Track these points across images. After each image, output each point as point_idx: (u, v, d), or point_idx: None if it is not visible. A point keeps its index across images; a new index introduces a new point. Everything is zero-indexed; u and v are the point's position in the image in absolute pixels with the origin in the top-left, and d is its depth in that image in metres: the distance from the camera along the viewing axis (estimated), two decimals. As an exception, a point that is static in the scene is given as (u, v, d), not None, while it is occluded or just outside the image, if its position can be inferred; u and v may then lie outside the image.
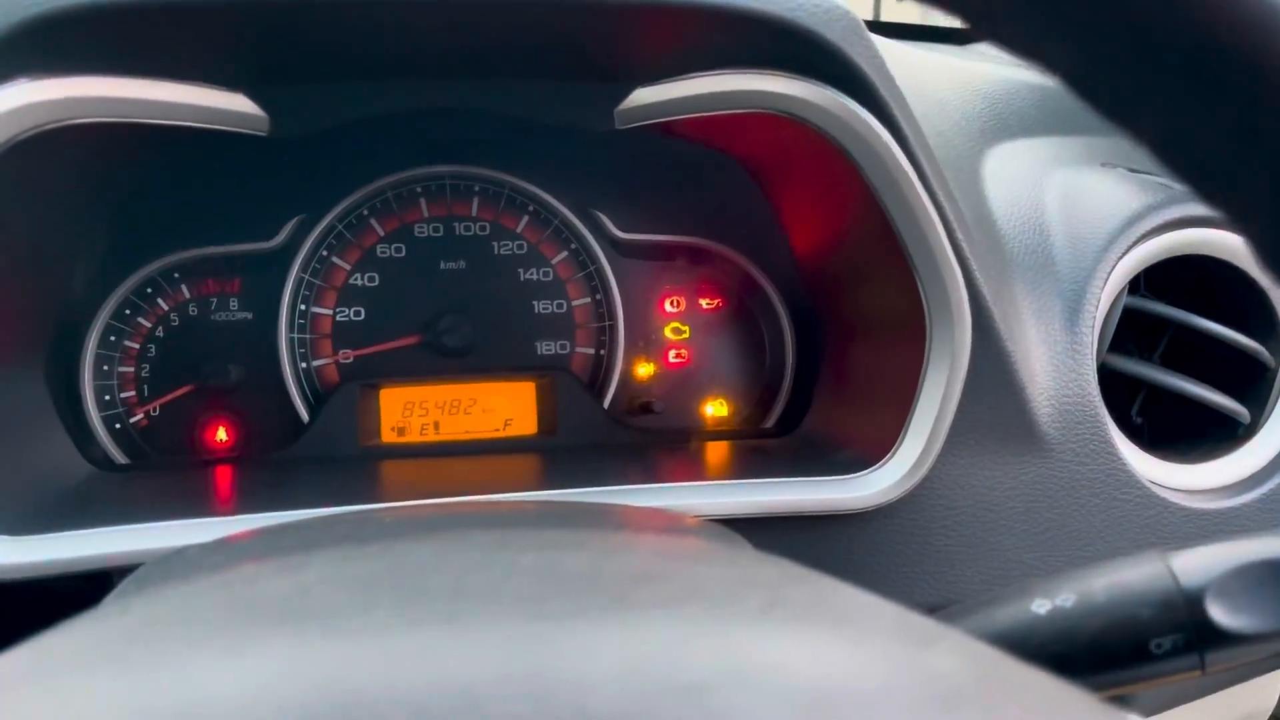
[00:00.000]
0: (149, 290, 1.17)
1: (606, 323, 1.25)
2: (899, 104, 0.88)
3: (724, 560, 0.47)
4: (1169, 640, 0.59)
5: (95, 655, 0.36)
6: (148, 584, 0.57)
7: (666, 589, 0.40)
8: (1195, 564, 0.60)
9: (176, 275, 1.17)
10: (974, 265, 0.92)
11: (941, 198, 0.90)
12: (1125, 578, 0.61)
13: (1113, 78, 0.38)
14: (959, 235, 0.91)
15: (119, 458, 1.15)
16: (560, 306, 1.25)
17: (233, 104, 0.88)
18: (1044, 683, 0.36)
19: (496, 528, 0.55)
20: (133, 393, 1.16)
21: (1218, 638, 0.58)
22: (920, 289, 0.92)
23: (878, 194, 0.89)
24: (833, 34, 0.84)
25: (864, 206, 0.92)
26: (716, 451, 1.16)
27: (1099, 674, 0.59)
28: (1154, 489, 1.02)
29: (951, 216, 0.91)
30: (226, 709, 0.29)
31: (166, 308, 1.17)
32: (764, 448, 1.17)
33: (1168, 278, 1.11)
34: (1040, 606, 0.62)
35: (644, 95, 0.94)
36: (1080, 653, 0.59)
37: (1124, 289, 1.06)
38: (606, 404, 1.23)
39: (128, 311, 1.16)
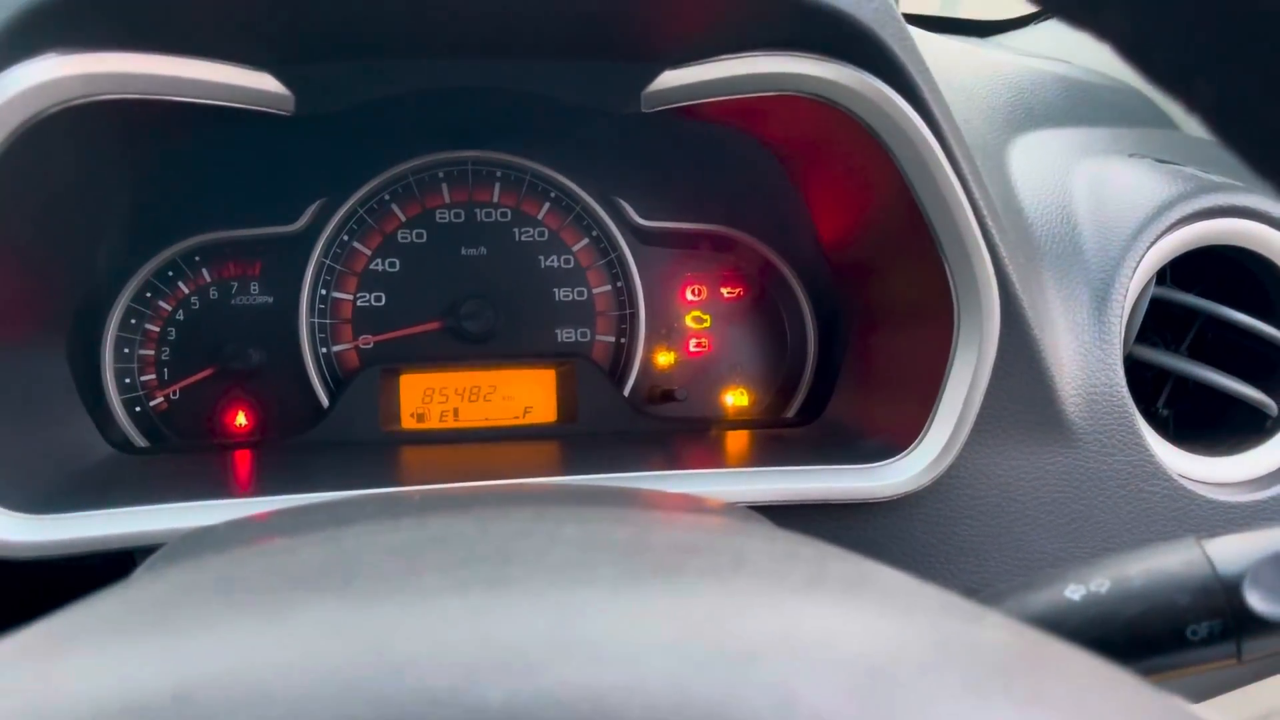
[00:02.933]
0: (170, 273, 1.17)
1: (627, 310, 1.25)
2: (930, 88, 0.88)
3: (764, 536, 0.47)
4: (1205, 627, 0.58)
5: (135, 620, 0.36)
6: (177, 558, 0.57)
7: (713, 560, 0.39)
8: (1232, 550, 0.60)
9: (198, 258, 1.17)
10: (1003, 251, 0.91)
11: (972, 183, 0.89)
12: (1161, 563, 0.61)
13: (1170, 42, 0.38)
14: (988, 221, 0.90)
15: (139, 440, 1.14)
16: (581, 294, 1.24)
17: (258, 82, 0.87)
18: (1090, 662, 0.35)
19: (530, 504, 0.55)
20: (153, 375, 1.16)
21: (1255, 625, 0.57)
22: (949, 275, 0.91)
23: (908, 178, 0.88)
24: (865, 16, 0.83)
25: (893, 191, 0.91)
26: (738, 440, 1.15)
27: (1134, 660, 0.58)
28: (1181, 481, 1.01)
29: (981, 202, 0.90)
30: (275, 670, 0.29)
31: (187, 291, 1.17)
32: (786, 436, 1.16)
33: (1194, 269, 1.10)
34: (1074, 592, 0.61)
35: (672, 77, 0.93)
36: (1115, 639, 0.58)
37: (1152, 279, 1.05)
38: (627, 392, 1.23)
39: (149, 294, 1.16)
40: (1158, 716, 0.33)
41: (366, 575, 0.36)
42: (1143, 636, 0.59)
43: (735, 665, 0.29)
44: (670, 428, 1.21)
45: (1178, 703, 0.36)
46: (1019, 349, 0.94)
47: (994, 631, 0.37)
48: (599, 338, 1.25)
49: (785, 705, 0.28)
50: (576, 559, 0.38)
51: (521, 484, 0.89)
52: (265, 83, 0.88)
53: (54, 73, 0.75)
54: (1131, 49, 0.39)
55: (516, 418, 1.20)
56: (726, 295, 1.28)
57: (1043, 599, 0.62)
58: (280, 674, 0.29)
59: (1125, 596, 0.60)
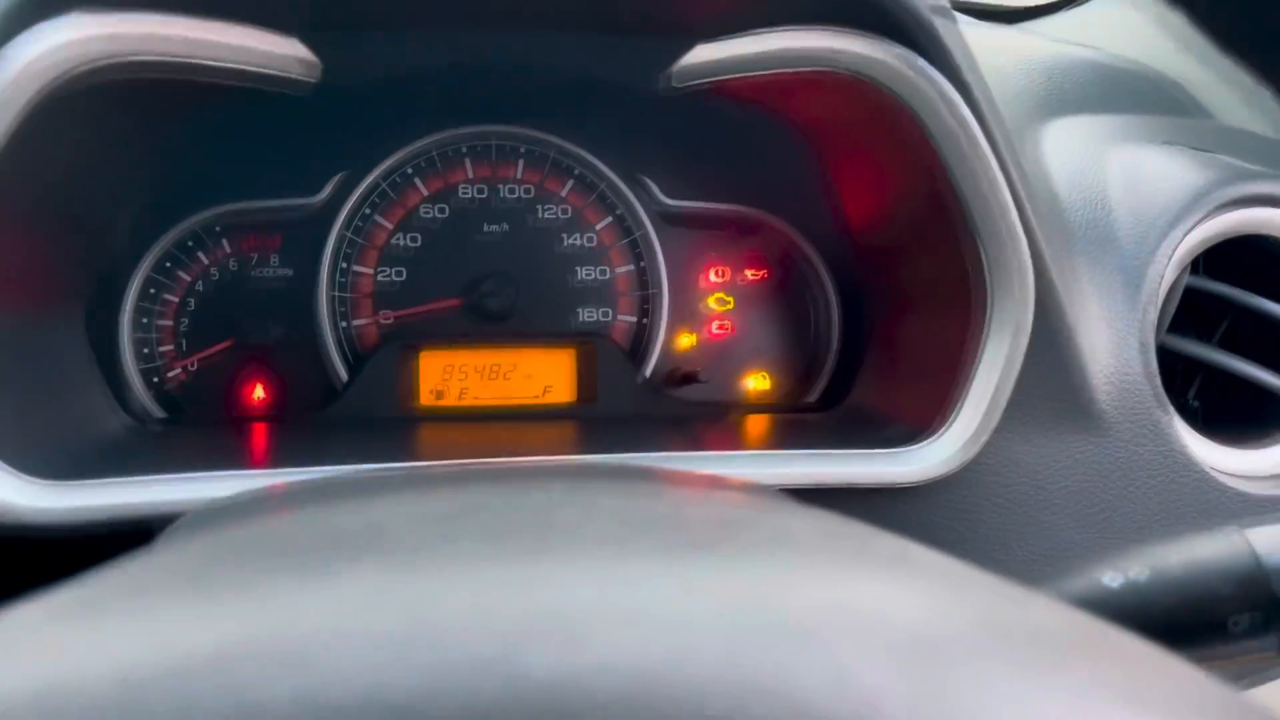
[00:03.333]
0: (190, 244, 1.16)
1: (649, 291, 1.24)
2: (970, 67, 0.86)
3: (802, 513, 0.46)
4: (1247, 618, 0.57)
5: (168, 584, 0.34)
6: (200, 527, 0.56)
7: (755, 535, 0.38)
8: (1276, 540, 0.59)
9: (218, 230, 1.16)
10: (1038, 236, 0.89)
11: (1009, 163, 0.87)
12: (1203, 552, 0.60)
13: (1252, 10, 0.36)
14: (1025, 205, 0.88)
15: (156, 412, 1.14)
16: (603, 274, 1.23)
17: (287, 49, 0.86)
18: (1145, 646, 0.34)
19: (559, 478, 0.54)
20: (171, 347, 1.15)
21: (1300, 617, 0.56)
22: (983, 258, 0.89)
23: (944, 159, 0.86)
24: (904, -10, 0.82)
25: (926, 171, 0.90)
26: (758, 423, 1.14)
27: (1172, 651, 0.57)
28: (1212, 473, 0.99)
29: (1019, 185, 0.88)
30: (314, 635, 0.28)
31: (207, 263, 1.16)
32: (808, 421, 1.15)
33: (1227, 260, 1.08)
34: (1112, 580, 0.60)
35: (704, 52, 0.91)
36: (1154, 628, 0.57)
37: (1185, 268, 1.03)
38: (647, 374, 1.22)
39: (168, 265, 1.15)
40: (1217, 706, 0.32)
41: (402, 545, 0.35)
42: (1182, 626, 0.58)
43: (788, 640, 0.28)
44: (690, 410, 1.20)
45: (1234, 693, 0.35)
46: (1051, 334, 0.92)
47: (1044, 610, 0.36)
48: (620, 318, 1.24)
49: (838, 681, 0.27)
50: (617, 531, 0.37)
51: (543, 461, 0.88)
52: (292, 49, 0.86)
53: (81, 32, 0.74)
54: (1209, 17, 0.37)
55: (535, 397, 1.19)
56: (750, 278, 1.26)
57: (1079, 586, 0.61)
58: (319, 639, 0.28)
59: (1165, 585, 0.59)
